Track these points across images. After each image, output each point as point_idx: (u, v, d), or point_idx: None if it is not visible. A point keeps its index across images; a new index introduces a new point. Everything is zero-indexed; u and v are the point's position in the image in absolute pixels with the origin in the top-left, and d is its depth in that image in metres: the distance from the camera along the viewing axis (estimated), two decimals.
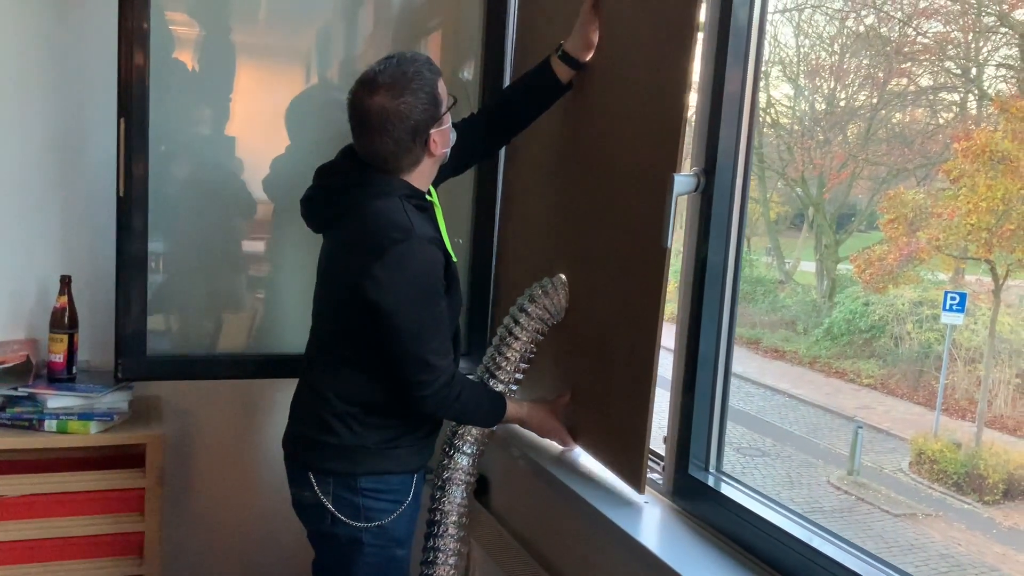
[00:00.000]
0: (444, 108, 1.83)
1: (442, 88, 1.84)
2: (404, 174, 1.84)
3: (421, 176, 1.86)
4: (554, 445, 2.12)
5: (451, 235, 2.32)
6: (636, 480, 1.78)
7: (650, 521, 1.72)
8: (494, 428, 2.10)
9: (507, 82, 2.49)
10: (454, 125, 1.97)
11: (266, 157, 2.48)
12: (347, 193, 1.86)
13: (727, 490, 1.67)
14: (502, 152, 2.49)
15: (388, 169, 1.83)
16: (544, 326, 2.09)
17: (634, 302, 1.82)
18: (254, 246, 2.60)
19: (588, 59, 2.01)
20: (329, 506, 1.90)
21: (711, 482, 1.71)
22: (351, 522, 1.90)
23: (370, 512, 1.90)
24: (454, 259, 1.93)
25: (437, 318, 1.82)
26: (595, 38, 2.00)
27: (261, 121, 2.53)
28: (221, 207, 2.48)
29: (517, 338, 2.07)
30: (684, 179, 1.68)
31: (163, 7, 2.26)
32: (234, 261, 2.53)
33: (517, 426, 2.13)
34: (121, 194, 2.21)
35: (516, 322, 2.08)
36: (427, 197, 1.90)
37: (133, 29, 2.14)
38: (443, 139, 1.84)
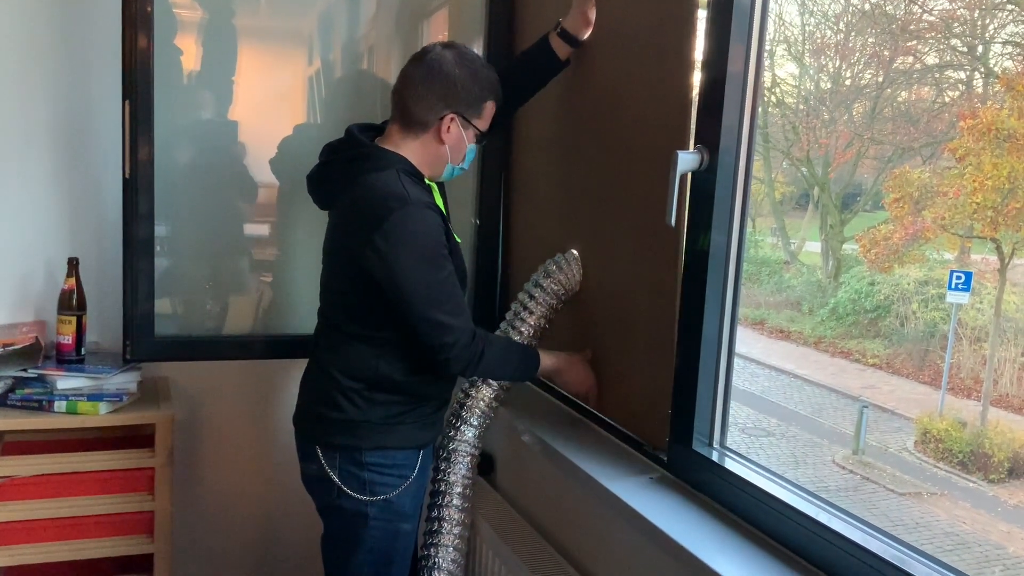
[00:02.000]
0: (477, 119, 1.90)
1: (490, 110, 1.92)
2: (406, 144, 1.87)
3: (420, 156, 1.88)
4: (557, 422, 2.14)
5: (458, 215, 2.34)
6: (660, 443, 1.84)
7: (655, 497, 1.73)
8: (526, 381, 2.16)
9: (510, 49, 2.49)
10: None
11: (269, 139, 2.49)
12: (347, 168, 1.88)
13: (731, 465, 1.68)
14: (511, 131, 2.49)
15: (401, 121, 1.88)
16: (558, 301, 2.11)
17: (651, 273, 1.86)
18: (259, 228, 2.62)
19: (586, 36, 2.03)
20: (335, 480, 1.93)
21: (715, 457, 1.73)
22: (357, 496, 1.92)
23: (375, 486, 1.93)
24: (456, 239, 1.94)
25: (447, 279, 1.83)
26: (592, 15, 2.03)
27: (264, 103, 2.54)
28: (225, 190, 2.49)
29: (532, 312, 2.09)
30: (687, 156, 1.68)
31: None
32: (239, 243, 2.54)
33: (520, 400, 2.14)
34: (127, 176, 2.22)
35: (531, 296, 2.10)
36: (426, 180, 1.92)
37: (137, 12, 2.14)
38: (456, 136, 1.88)
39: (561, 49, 2.06)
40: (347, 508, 1.94)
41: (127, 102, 2.19)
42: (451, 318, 1.82)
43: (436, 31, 2.75)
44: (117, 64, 2.19)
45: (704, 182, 1.70)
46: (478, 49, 2.54)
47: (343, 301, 1.94)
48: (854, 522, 1.45)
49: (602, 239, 2.05)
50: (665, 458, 1.83)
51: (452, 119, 1.86)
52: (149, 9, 2.16)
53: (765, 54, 1.67)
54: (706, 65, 1.69)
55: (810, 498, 1.55)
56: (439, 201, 1.96)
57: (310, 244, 2.18)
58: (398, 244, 1.76)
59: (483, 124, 1.92)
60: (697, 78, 1.71)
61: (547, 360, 2.01)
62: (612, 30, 1.99)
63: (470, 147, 1.93)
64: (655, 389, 1.84)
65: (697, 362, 1.73)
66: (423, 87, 1.86)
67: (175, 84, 2.33)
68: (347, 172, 1.87)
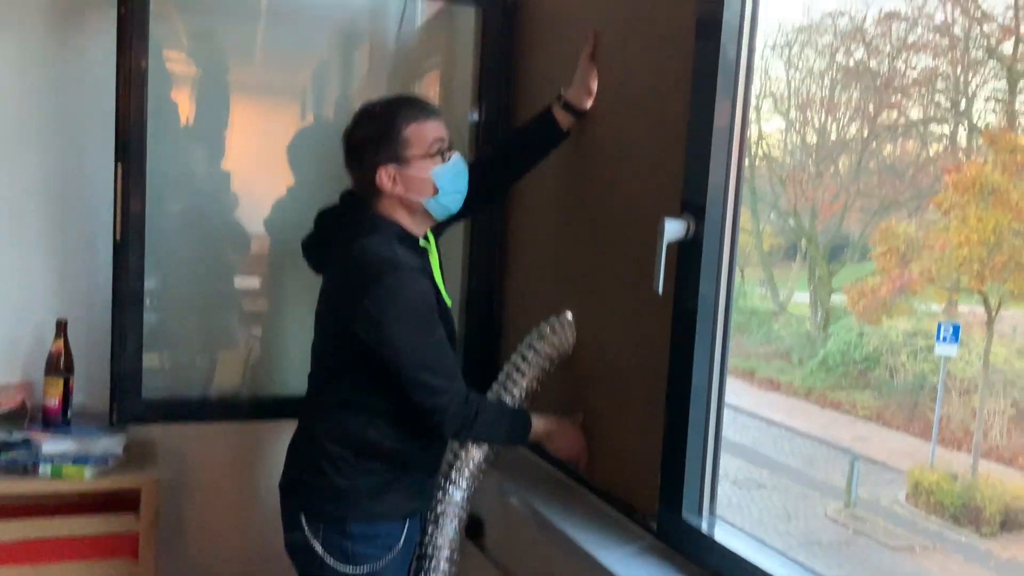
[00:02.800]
0: (408, 150, 1.82)
1: (415, 131, 1.83)
2: (384, 210, 1.86)
3: (402, 216, 1.87)
4: (548, 487, 2.13)
5: (450, 274, 2.34)
6: (650, 510, 1.82)
7: (644, 566, 1.72)
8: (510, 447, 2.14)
9: (507, 120, 2.51)
10: None
11: (262, 194, 2.51)
12: (340, 233, 1.88)
13: (720, 535, 1.68)
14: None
15: (367, 200, 1.87)
16: (551, 364, 2.11)
17: (642, 338, 1.87)
18: (249, 281, 2.63)
19: (588, 106, 2.05)
20: (319, 549, 1.89)
21: (705, 525, 1.72)
22: (340, 566, 1.89)
23: (360, 557, 1.89)
24: (447, 302, 1.95)
25: (438, 343, 1.82)
26: (595, 86, 2.05)
27: (256, 158, 2.56)
28: (216, 241, 2.51)
29: (524, 374, 2.09)
30: (674, 225, 1.70)
31: (160, 45, 2.29)
32: (229, 296, 2.55)
33: (510, 463, 2.13)
34: (118, 239, 2.23)
35: (524, 358, 2.10)
36: (421, 243, 1.91)
37: (131, 68, 2.16)
38: (404, 181, 1.83)
39: (564, 119, 2.07)
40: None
41: (120, 164, 2.21)
42: (443, 381, 1.82)
43: (428, 90, 2.79)
44: (109, 123, 2.20)
45: (691, 249, 1.71)
46: (468, 107, 2.57)
47: (333, 366, 1.93)
48: None
49: (596, 302, 2.06)
50: (655, 526, 1.82)
51: (385, 170, 1.82)
52: (144, 64, 2.18)
53: (751, 109, 1.69)
54: (692, 125, 1.71)
55: (800, 568, 1.54)
56: (434, 262, 1.96)
57: (300, 299, 2.18)
58: (389, 309, 1.76)
59: (421, 147, 1.83)
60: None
61: (539, 424, 2.00)
62: (605, 97, 2.03)
63: (436, 172, 1.84)
64: (645, 455, 1.84)
65: (686, 429, 1.73)
66: (348, 164, 1.89)
67: (168, 138, 2.35)
68: (339, 237, 1.88)
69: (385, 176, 1.83)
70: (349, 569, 1.89)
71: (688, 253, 1.72)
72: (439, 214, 1.91)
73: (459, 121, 2.63)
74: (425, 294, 1.81)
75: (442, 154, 1.86)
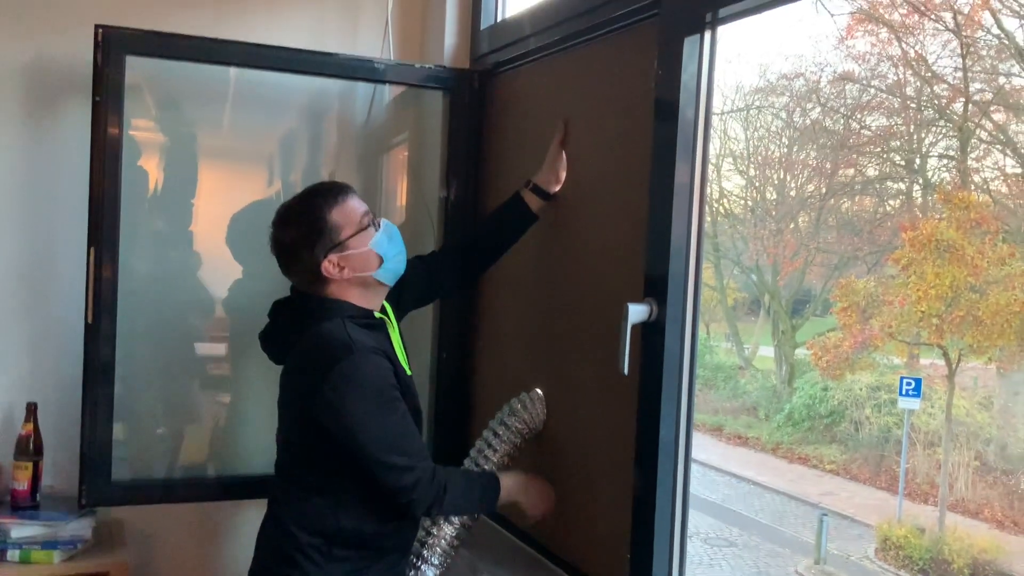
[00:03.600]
0: (341, 234, 1.83)
1: (340, 214, 1.83)
2: (335, 293, 1.87)
3: (355, 295, 1.88)
4: (519, 563, 2.14)
5: (417, 347, 2.37)
6: None
7: None
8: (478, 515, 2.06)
9: (476, 198, 2.55)
10: (420, 258, 2.08)
11: (228, 261, 2.53)
12: (295, 322, 1.88)
13: None
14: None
15: (318, 292, 1.87)
16: (522, 439, 2.13)
17: (610, 416, 1.89)
18: (215, 350, 2.62)
19: (557, 190, 2.12)
20: None
21: None
22: None
23: None
24: (408, 372, 1.95)
25: (400, 420, 1.81)
26: (563, 172, 2.11)
27: (223, 223, 2.58)
28: (181, 311, 2.50)
29: (496, 450, 2.10)
30: (638, 308, 1.75)
31: (131, 115, 2.30)
32: (193, 367, 2.54)
33: (481, 540, 2.14)
34: (90, 321, 2.23)
35: (496, 434, 2.12)
36: (376, 315, 1.92)
37: (105, 137, 2.17)
38: (350, 263, 1.84)
39: (533, 202, 2.11)
40: None
41: (92, 248, 2.22)
42: (409, 459, 1.80)
43: (396, 160, 2.84)
44: (80, 204, 2.20)
45: (654, 330, 1.76)
46: (437, 185, 2.62)
47: (299, 453, 1.90)
48: None
49: (565, 380, 2.09)
50: None
51: (326, 261, 1.83)
52: (116, 132, 2.19)
53: (711, 168, 1.74)
54: (653, 186, 1.75)
55: None
56: (394, 335, 1.96)
57: (267, 370, 2.17)
58: (347, 392, 1.75)
59: (351, 225, 1.83)
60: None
61: (508, 483, 1.98)
62: (571, 180, 2.09)
63: (375, 243, 1.85)
64: (615, 529, 1.87)
65: (654, 500, 1.76)
66: (288, 271, 1.88)
67: (136, 207, 2.35)
68: (295, 326, 1.88)
69: (330, 266, 1.83)
70: None
71: (652, 334, 1.77)
72: (390, 280, 1.93)
73: (428, 198, 2.69)
74: (383, 372, 1.80)
75: (373, 224, 1.88)
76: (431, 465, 1.83)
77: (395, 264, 1.91)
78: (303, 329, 1.84)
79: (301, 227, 1.83)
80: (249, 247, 2.48)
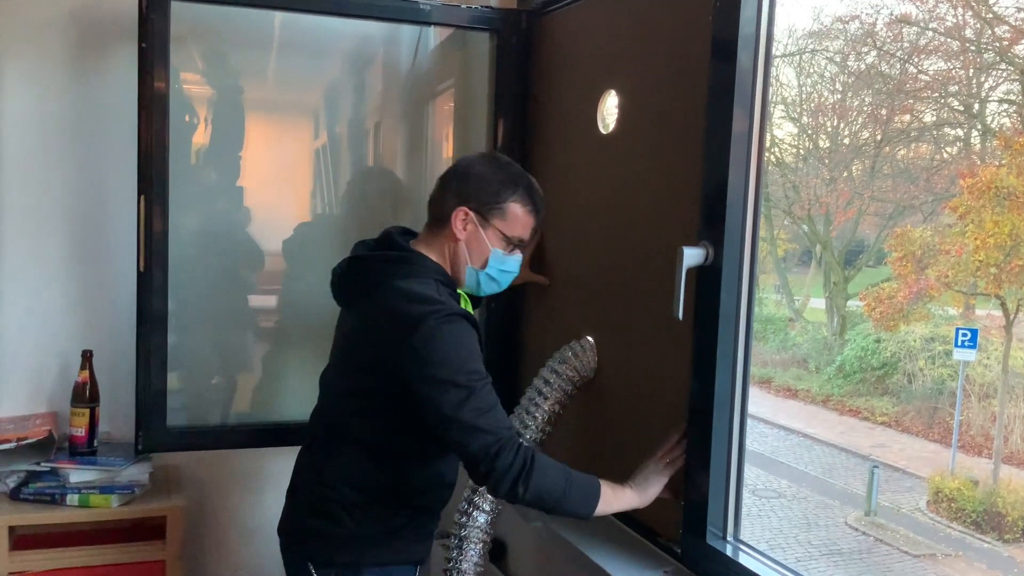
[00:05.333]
0: (497, 218, 1.80)
1: (518, 214, 1.81)
2: (432, 247, 1.84)
3: (443, 258, 1.84)
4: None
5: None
6: (673, 535, 1.81)
7: None
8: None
9: (523, 143, 2.51)
10: None
11: (276, 208, 2.53)
12: (382, 269, 1.82)
13: (745, 560, 1.68)
14: None
15: (428, 222, 1.85)
16: (573, 387, 2.12)
17: (663, 363, 1.86)
18: (266, 300, 2.63)
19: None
20: None
21: (730, 551, 1.72)
22: None
23: None
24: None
25: (488, 390, 1.70)
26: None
27: (271, 176, 2.58)
28: (233, 264, 2.51)
29: (547, 398, 2.09)
30: (693, 252, 1.70)
31: (177, 69, 2.31)
32: (246, 319, 2.56)
33: None
34: (142, 269, 2.24)
35: (547, 382, 2.10)
36: (459, 290, 1.87)
37: (152, 101, 2.16)
38: (472, 234, 1.81)
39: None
40: None
41: (142, 196, 2.23)
42: (494, 424, 1.66)
43: (442, 109, 2.80)
44: (131, 150, 2.20)
45: (711, 274, 1.72)
46: (483, 129, 2.58)
47: (359, 406, 1.83)
48: None
49: (617, 327, 2.07)
50: (679, 551, 1.83)
51: (466, 213, 1.79)
52: (163, 87, 2.18)
53: (767, 124, 1.68)
54: (708, 136, 1.70)
55: None
56: (468, 309, 1.90)
57: (314, 327, 2.16)
58: (437, 348, 1.67)
59: (508, 228, 1.81)
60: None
61: (618, 496, 1.75)
62: (626, 127, 2.04)
63: (497, 253, 1.82)
64: (668, 478, 1.84)
65: (709, 453, 1.73)
66: (442, 185, 1.84)
67: (184, 159, 2.37)
68: (381, 273, 1.81)
69: (459, 220, 1.80)
70: None
71: (707, 279, 1.72)
72: (466, 283, 1.87)
73: (475, 142, 2.65)
74: (472, 339, 1.73)
75: (514, 246, 1.85)
76: (517, 440, 1.69)
77: (484, 282, 1.87)
78: (388, 278, 1.77)
79: (495, 177, 1.81)
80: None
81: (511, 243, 1.83)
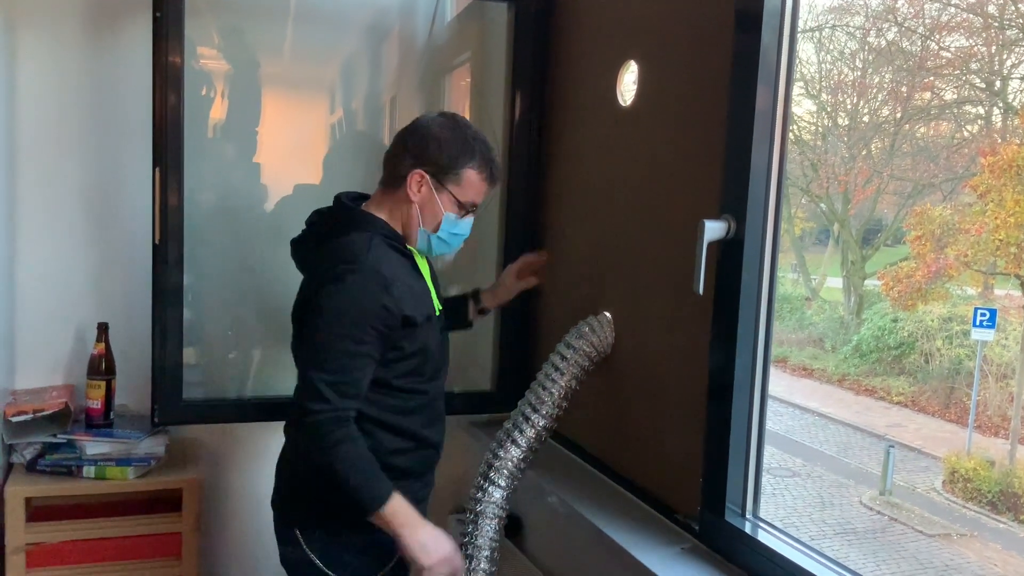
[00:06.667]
0: (453, 184, 1.82)
1: (473, 180, 1.83)
2: (383, 205, 1.86)
3: (395, 216, 1.86)
4: (587, 485, 2.13)
5: (482, 281, 2.34)
6: (691, 510, 1.80)
7: (686, 568, 1.71)
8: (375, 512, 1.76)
9: (541, 117, 2.48)
10: None
11: (292, 183, 2.53)
12: (329, 231, 1.87)
13: (765, 538, 1.66)
14: (545, 192, 2.50)
15: (382, 180, 1.88)
16: (589, 362, 2.10)
17: (682, 338, 1.85)
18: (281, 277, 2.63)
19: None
20: (317, 562, 1.85)
21: (748, 529, 1.70)
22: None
23: (358, 568, 1.88)
24: (437, 310, 1.92)
25: (350, 352, 1.73)
26: (504, 301, 2.24)
27: (287, 152, 2.57)
28: (248, 239, 2.51)
29: (563, 373, 2.08)
30: (714, 225, 1.68)
31: (193, 43, 2.30)
32: (262, 293, 2.55)
33: (548, 462, 2.12)
34: (157, 241, 2.24)
35: (563, 357, 2.09)
36: (408, 247, 1.88)
37: (167, 72, 2.16)
38: (426, 197, 1.82)
39: (472, 312, 2.18)
40: None
41: (157, 168, 2.22)
42: (328, 389, 1.70)
43: (459, 83, 2.77)
44: (146, 124, 2.21)
45: (732, 248, 1.69)
46: (500, 102, 2.56)
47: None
48: None
49: (635, 302, 2.05)
50: (696, 527, 1.81)
51: (421, 176, 1.81)
52: (179, 68, 2.18)
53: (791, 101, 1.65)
54: (731, 113, 1.67)
55: (844, 573, 1.53)
56: (423, 268, 1.92)
57: None
58: (330, 302, 1.73)
59: (462, 193, 1.83)
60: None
61: (403, 508, 1.77)
62: (646, 98, 2.01)
63: (449, 217, 1.84)
64: (686, 455, 1.83)
65: (728, 430, 1.72)
66: (400, 143, 1.86)
67: (200, 134, 2.36)
68: (325, 234, 1.87)
69: (414, 182, 1.82)
70: None
71: (729, 253, 1.70)
72: (419, 246, 1.89)
73: (492, 117, 2.62)
74: (371, 306, 1.73)
75: (467, 211, 1.87)
76: (346, 414, 1.74)
77: (436, 244, 1.89)
78: (330, 236, 1.83)
79: (452, 142, 1.82)
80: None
81: (464, 208, 1.86)
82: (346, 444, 1.73)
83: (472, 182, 1.84)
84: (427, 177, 1.82)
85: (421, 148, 1.83)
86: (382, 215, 1.86)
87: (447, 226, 1.86)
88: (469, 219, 1.90)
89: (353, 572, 1.87)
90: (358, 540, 1.86)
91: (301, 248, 1.98)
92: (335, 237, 1.82)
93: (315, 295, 1.75)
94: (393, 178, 1.86)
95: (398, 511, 1.76)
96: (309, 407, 1.71)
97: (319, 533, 1.87)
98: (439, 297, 1.98)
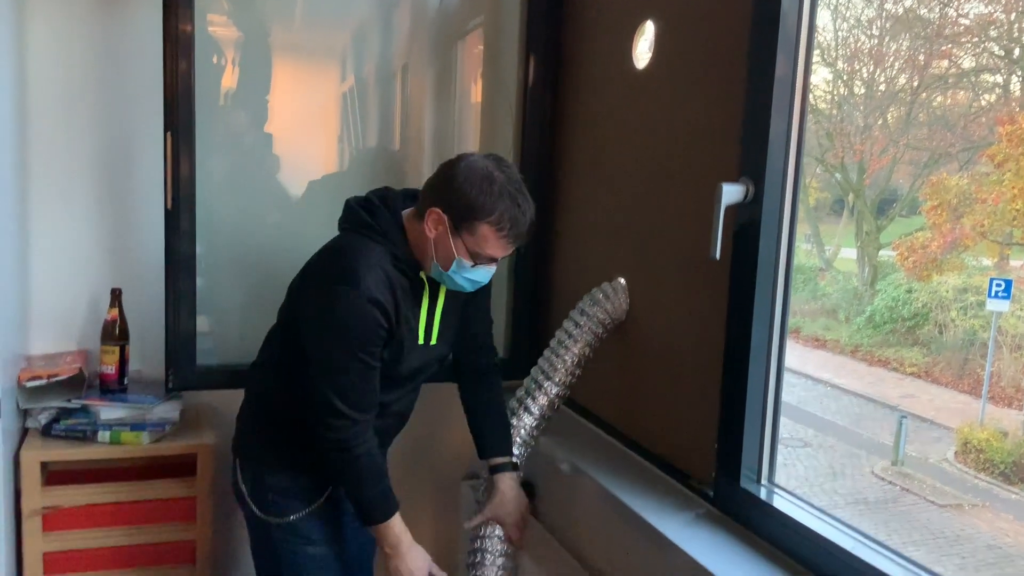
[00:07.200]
0: (467, 233, 1.78)
1: (489, 237, 1.78)
2: (413, 221, 1.85)
3: (415, 239, 1.84)
4: (600, 452, 2.12)
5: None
6: (706, 477, 1.81)
7: (702, 534, 1.71)
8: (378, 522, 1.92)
9: (554, 84, 2.45)
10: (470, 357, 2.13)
11: (303, 151, 2.55)
12: (346, 219, 1.91)
13: (780, 503, 1.66)
14: (559, 157, 2.48)
15: (419, 202, 1.87)
16: (603, 329, 2.09)
17: (697, 304, 1.84)
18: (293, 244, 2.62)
19: None
20: (245, 492, 2.00)
21: (764, 494, 1.70)
22: (260, 514, 1.99)
23: (276, 507, 1.97)
24: (419, 342, 1.91)
25: (355, 368, 1.80)
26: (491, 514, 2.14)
27: (298, 120, 2.55)
28: (260, 207, 2.51)
29: (576, 340, 2.08)
30: (732, 188, 1.66)
31: (205, 10, 2.28)
32: (275, 257, 2.55)
33: (562, 429, 2.11)
34: (169, 207, 2.24)
35: (576, 324, 2.08)
36: (420, 274, 1.87)
37: (178, 36, 2.16)
38: (440, 236, 1.80)
39: (485, 463, 2.13)
40: (254, 522, 2.01)
41: (169, 133, 2.21)
42: (344, 405, 1.80)
43: (471, 51, 2.75)
44: (157, 91, 2.21)
45: (750, 212, 1.67)
46: (513, 68, 2.53)
47: (278, 328, 2.02)
48: (906, 563, 1.42)
49: (649, 269, 2.03)
50: (711, 493, 1.81)
51: (439, 216, 1.78)
52: (190, 32, 2.17)
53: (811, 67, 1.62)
54: (751, 77, 1.65)
55: (861, 538, 1.52)
56: (425, 306, 1.91)
57: None
58: (325, 314, 1.79)
59: (475, 245, 1.78)
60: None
61: (398, 527, 1.91)
62: (663, 61, 1.98)
63: (461, 262, 1.81)
64: (701, 421, 1.82)
65: (744, 396, 1.71)
66: (437, 174, 1.83)
67: (211, 101, 2.35)
68: (349, 223, 1.89)
69: (435, 218, 1.79)
70: (269, 519, 1.98)
71: (747, 217, 1.68)
72: (433, 275, 1.88)
73: (505, 83, 2.59)
74: (367, 324, 1.77)
75: (486, 262, 1.84)
76: (363, 430, 1.85)
77: (448, 280, 1.87)
78: (345, 229, 1.89)
79: (475, 195, 1.75)
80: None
81: (482, 257, 1.81)
82: (367, 458, 1.86)
83: (487, 238, 1.78)
84: (445, 218, 1.79)
85: (444, 189, 1.80)
86: (412, 232, 1.85)
87: (459, 269, 1.83)
88: (486, 268, 1.85)
89: (272, 510, 1.98)
90: (280, 480, 1.98)
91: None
92: (348, 231, 1.87)
93: (307, 295, 1.86)
94: (421, 206, 1.84)
95: (395, 529, 1.90)
96: (327, 423, 1.82)
97: (250, 467, 2.01)
98: (448, 327, 1.97)
